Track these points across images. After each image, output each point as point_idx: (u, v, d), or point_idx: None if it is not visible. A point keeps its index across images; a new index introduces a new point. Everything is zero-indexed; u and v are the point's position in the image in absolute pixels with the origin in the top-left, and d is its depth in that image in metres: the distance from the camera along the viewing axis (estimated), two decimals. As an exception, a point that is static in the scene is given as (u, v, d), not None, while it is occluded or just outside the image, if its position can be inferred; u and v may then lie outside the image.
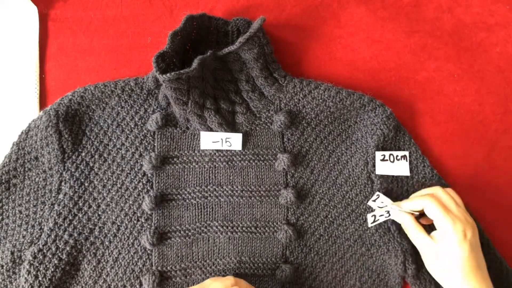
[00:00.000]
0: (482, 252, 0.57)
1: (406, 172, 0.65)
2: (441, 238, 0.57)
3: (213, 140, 0.64)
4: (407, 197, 0.65)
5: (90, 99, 0.65)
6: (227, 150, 0.65)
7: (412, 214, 0.60)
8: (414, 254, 0.63)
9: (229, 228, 0.64)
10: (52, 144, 0.63)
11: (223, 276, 0.63)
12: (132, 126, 0.66)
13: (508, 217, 0.68)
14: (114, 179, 0.65)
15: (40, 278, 0.61)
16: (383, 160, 0.64)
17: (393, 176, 0.66)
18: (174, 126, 0.66)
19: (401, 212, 0.60)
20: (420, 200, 0.59)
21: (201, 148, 0.65)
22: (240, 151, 0.65)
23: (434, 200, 0.58)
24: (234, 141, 0.65)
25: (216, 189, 0.65)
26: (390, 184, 0.65)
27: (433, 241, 0.57)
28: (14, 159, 0.65)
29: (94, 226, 0.64)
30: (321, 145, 0.66)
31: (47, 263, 0.61)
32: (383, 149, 0.66)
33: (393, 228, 0.64)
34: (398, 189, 0.66)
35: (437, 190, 0.60)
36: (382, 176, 0.65)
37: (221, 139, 0.64)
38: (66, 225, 0.63)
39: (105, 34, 0.71)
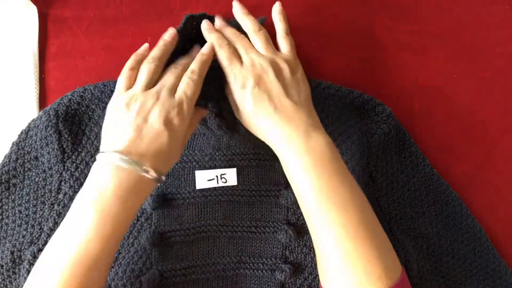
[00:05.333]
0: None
1: None
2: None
3: (208, 178, 0.64)
4: (408, 198, 0.65)
5: (90, 99, 0.65)
6: (227, 150, 0.65)
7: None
8: (414, 255, 0.63)
9: (229, 228, 0.64)
10: (52, 144, 0.63)
11: (224, 276, 0.63)
12: (132, 126, 0.66)
13: (508, 217, 0.68)
14: (114, 179, 0.64)
15: (40, 278, 0.61)
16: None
17: (393, 175, 0.66)
18: (174, 126, 0.66)
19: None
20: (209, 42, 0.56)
21: (197, 188, 0.64)
22: (240, 150, 0.65)
23: (222, 50, 0.55)
24: (229, 177, 0.64)
25: (216, 188, 0.65)
26: (390, 184, 0.65)
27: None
28: (13, 159, 0.65)
29: (94, 226, 0.64)
30: (321, 145, 0.66)
31: (47, 263, 0.61)
32: (383, 148, 0.66)
33: (394, 229, 0.64)
34: (398, 189, 0.66)
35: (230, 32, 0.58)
36: (382, 175, 0.65)
37: (216, 176, 0.64)
38: (66, 225, 0.63)
39: (105, 34, 0.71)
